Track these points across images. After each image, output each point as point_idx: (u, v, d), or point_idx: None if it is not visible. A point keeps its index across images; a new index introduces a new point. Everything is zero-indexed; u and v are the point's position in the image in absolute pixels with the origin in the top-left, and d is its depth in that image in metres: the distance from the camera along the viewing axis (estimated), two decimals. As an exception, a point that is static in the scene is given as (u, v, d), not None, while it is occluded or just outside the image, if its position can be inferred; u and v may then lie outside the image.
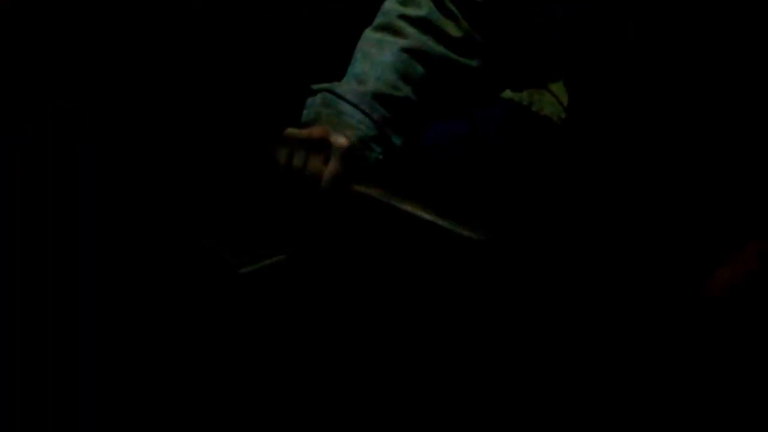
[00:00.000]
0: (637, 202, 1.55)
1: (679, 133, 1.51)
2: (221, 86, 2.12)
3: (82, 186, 1.93)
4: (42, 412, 1.71)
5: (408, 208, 1.51)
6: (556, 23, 1.59)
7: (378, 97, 1.57)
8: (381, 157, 1.58)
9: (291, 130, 1.53)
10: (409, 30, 1.61)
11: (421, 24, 1.61)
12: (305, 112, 1.59)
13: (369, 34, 1.63)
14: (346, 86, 1.58)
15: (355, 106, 1.56)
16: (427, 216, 1.50)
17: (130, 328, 1.78)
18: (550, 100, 1.78)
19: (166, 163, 1.97)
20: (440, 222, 1.49)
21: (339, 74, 1.63)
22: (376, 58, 1.60)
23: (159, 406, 1.71)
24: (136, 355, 1.75)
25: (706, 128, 1.49)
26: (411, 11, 1.62)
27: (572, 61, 1.61)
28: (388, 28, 1.62)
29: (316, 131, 1.52)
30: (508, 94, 1.81)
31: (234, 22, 2.16)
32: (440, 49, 1.61)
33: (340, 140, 1.52)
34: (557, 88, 1.77)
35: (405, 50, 1.60)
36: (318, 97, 1.59)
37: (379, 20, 1.64)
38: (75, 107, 1.99)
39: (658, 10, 1.47)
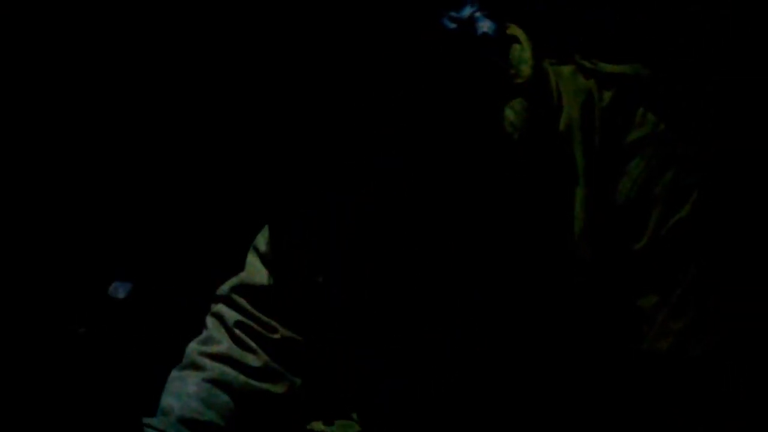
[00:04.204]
0: None
1: None
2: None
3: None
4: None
5: None
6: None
7: (183, 421, 1.67)
8: None
9: None
10: (210, 364, 1.73)
11: (221, 358, 1.74)
12: None
13: (173, 374, 1.75)
14: (152, 420, 1.69)
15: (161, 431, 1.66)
16: None
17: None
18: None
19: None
20: None
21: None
22: (179, 391, 1.70)
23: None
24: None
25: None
26: (210, 348, 1.75)
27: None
28: (190, 366, 1.74)
29: None
30: (320, 427, 1.92)
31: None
32: (242, 378, 1.73)
33: None
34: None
35: (207, 381, 1.71)
36: None
37: (182, 362, 1.77)
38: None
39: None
